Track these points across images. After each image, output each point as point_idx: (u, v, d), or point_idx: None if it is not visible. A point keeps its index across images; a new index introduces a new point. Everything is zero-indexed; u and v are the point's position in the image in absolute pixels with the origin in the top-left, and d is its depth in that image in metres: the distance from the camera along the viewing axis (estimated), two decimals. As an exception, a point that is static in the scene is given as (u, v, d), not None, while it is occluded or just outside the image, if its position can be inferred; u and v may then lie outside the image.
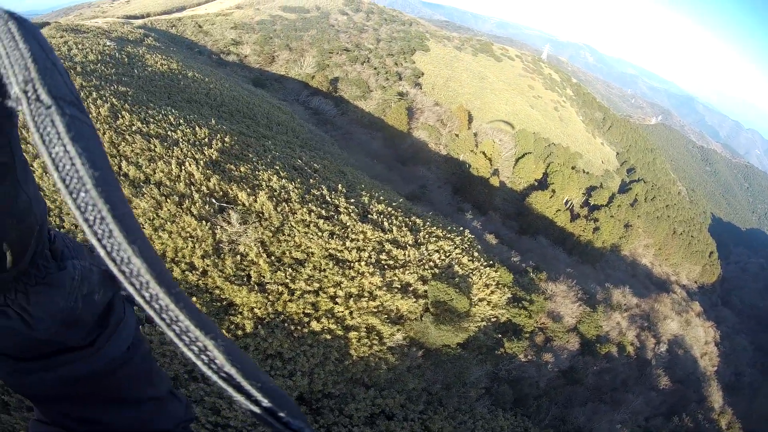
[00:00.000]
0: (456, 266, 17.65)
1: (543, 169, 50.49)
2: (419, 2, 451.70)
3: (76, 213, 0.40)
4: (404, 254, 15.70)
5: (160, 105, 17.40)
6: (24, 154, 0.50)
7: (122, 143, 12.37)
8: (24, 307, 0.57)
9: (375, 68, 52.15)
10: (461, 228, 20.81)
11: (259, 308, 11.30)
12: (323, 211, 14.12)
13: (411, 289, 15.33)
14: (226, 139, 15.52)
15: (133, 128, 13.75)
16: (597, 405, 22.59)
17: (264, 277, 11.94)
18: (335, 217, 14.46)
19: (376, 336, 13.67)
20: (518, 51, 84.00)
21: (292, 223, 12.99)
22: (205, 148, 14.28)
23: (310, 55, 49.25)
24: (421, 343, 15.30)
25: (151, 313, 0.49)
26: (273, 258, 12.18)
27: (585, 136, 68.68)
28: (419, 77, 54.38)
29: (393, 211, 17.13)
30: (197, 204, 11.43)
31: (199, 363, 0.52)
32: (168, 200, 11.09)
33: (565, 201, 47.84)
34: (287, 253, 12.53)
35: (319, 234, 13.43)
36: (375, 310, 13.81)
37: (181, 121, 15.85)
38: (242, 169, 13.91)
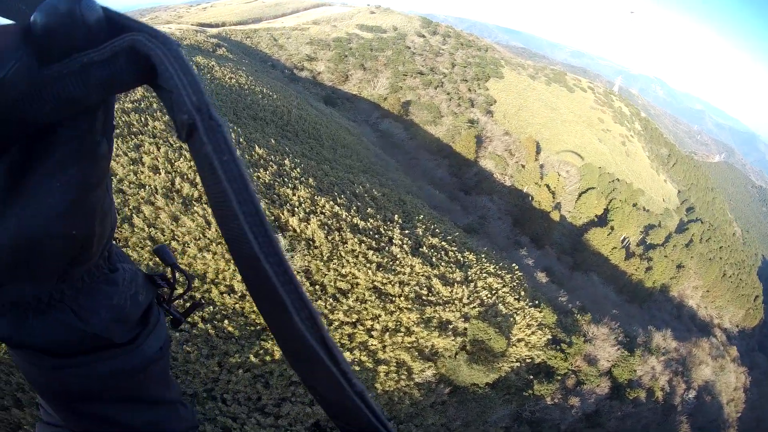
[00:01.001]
0: (501, 305, 15.15)
1: (604, 205, 43.66)
2: (497, 28, 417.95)
3: (240, 215, 0.36)
4: (450, 291, 13.46)
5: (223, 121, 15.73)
6: None
7: (179, 159, 10.88)
8: (79, 301, 0.52)
9: (448, 93, 45.40)
10: (512, 264, 18.07)
11: (294, 336, 9.78)
12: (374, 242, 12.20)
13: (451, 326, 13.16)
14: (285, 162, 13.71)
15: (190, 144, 12.14)
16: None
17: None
18: (386, 248, 12.47)
19: (405, 371, 11.68)
20: (590, 82, 75.12)
21: (342, 253, 11.21)
22: (261, 170, 12.68)
23: (384, 76, 43.50)
24: (450, 380, 13.17)
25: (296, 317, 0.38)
26: (317, 287, 10.56)
27: (649, 173, 60.19)
28: (491, 105, 47.63)
29: (447, 245, 14.75)
30: (247, 227, 10.03)
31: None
32: (220, 220, 9.76)
33: (622, 238, 41.67)
34: (332, 282, 10.84)
35: (367, 265, 11.59)
36: (409, 345, 11.81)
37: (241, 139, 14.09)
38: (299, 194, 12.23)
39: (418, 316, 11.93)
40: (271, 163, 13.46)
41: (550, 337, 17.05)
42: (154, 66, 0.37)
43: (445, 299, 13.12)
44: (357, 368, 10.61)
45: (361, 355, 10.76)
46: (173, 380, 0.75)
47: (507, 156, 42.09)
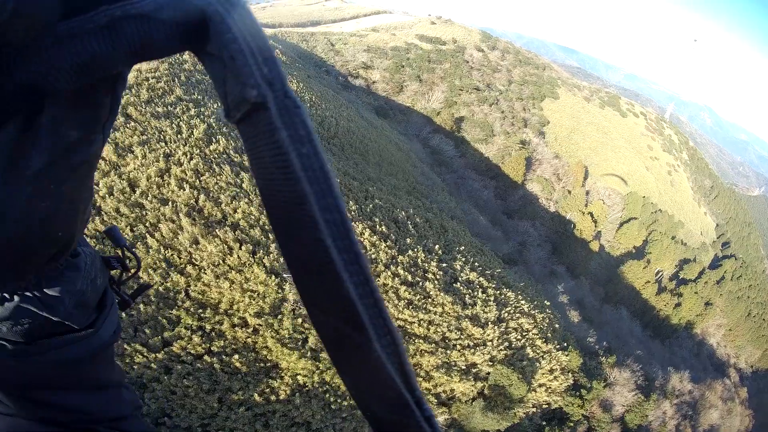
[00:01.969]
0: (529, 348, 12.54)
1: (644, 237, 37.61)
2: (555, 45, 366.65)
3: (322, 226, 0.25)
4: (482, 333, 11.02)
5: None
6: None
7: (207, 173, 8.77)
8: (44, 289, 0.46)
9: (502, 111, 38.28)
10: (546, 302, 15.13)
11: (305, 376, 7.85)
12: (409, 276, 9.92)
13: (474, 370, 10.78)
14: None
15: (224, 157, 9.65)
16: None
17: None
18: (420, 284, 10.16)
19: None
20: (642, 108, 65.55)
21: (371, 288, 9.06)
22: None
23: (439, 89, 36.59)
24: (462, 425, 10.93)
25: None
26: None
27: (691, 204, 52.00)
28: (544, 125, 40.42)
29: (484, 282, 12.17)
30: (272, 255, 8.07)
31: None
32: (242, 247, 7.86)
33: (656, 271, 36.18)
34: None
35: (396, 302, 9.38)
36: (425, 391, 9.68)
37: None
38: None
39: (440, 360, 9.64)
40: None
41: (571, 382, 14.25)
42: (208, 24, 0.25)
43: (475, 341, 10.71)
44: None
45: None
46: (116, 363, 0.66)
47: (554, 180, 35.97)
